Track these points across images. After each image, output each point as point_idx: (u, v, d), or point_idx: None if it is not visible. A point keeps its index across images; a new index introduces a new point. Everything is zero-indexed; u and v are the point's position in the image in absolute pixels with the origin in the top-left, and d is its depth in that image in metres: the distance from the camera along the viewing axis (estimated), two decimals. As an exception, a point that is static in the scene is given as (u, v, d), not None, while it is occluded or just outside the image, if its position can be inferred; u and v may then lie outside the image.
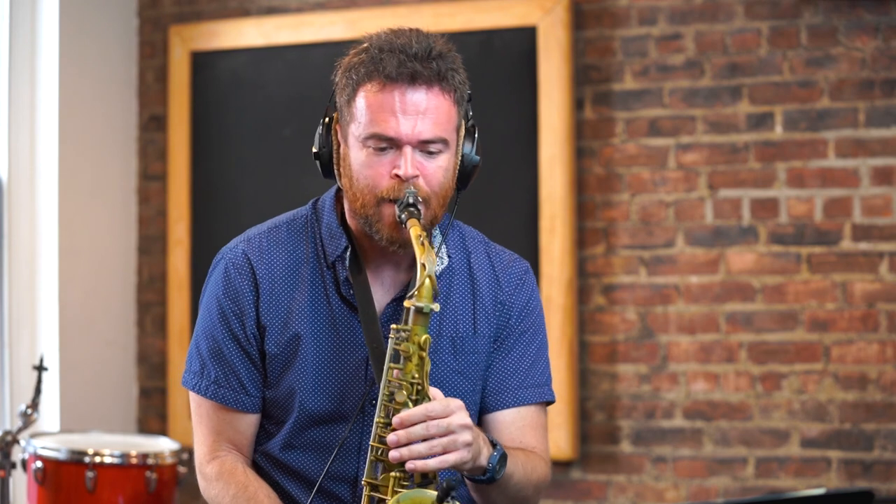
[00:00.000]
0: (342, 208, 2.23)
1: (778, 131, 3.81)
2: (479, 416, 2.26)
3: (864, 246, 3.72)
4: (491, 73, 4.01)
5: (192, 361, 2.25)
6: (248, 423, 2.24)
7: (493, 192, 3.97)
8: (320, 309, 2.19)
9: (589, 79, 3.97)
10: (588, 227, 3.95)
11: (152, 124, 4.41)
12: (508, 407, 2.24)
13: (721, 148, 3.85)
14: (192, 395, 2.25)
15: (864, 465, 3.69)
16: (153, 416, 4.33)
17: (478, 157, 2.20)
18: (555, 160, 3.92)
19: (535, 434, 2.26)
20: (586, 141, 3.96)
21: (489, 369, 2.25)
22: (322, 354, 2.19)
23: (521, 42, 3.97)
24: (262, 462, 2.26)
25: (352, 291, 2.18)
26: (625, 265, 3.92)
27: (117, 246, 4.34)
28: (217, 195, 4.27)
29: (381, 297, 2.20)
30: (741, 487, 3.79)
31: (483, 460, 2.04)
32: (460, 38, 4.06)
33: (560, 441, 3.84)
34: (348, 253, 2.19)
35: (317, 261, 2.22)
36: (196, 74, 4.31)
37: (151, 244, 4.38)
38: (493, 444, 2.08)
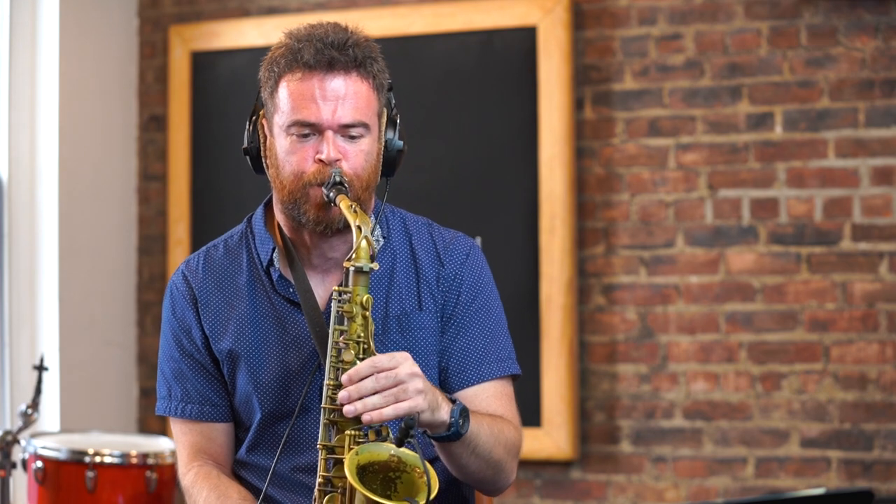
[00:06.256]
0: (272, 216, 2.30)
1: (778, 131, 3.81)
2: None
3: (863, 246, 3.72)
4: (491, 73, 4.01)
5: (160, 387, 2.36)
6: (221, 431, 2.31)
7: (493, 192, 3.97)
8: (264, 312, 2.25)
9: (589, 79, 3.97)
10: (588, 227, 3.95)
11: (152, 124, 4.41)
12: (472, 384, 2.26)
13: (721, 148, 3.85)
14: (170, 420, 2.34)
15: (864, 465, 3.69)
16: (153, 416, 4.32)
17: (401, 143, 2.26)
18: (555, 160, 3.92)
19: (500, 402, 2.27)
20: (586, 141, 3.96)
21: (448, 350, 2.27)
22: (272, 353, 2.24)
23: (521, 42, 3.98)
24: (237, 469, 2.31)
25: (291, 289, 2.23)
26: (625, 265, 3.92)
27: (117, 246, 4.34)
28: (217, 195, 4.27)
29: (323, 292, 2.25)
30: (741, 487, 3.79)
31: (444, 414, 2.05)
32: (460, 38, 4.09)
33: (560, 441, 3.84)
34: (275, 253, 2.25)
35: (254, 268, 2.28)
36: (196, 74, 4.31)
37: (151, 244, 4.38)
38: (453, 401, 2.09)
